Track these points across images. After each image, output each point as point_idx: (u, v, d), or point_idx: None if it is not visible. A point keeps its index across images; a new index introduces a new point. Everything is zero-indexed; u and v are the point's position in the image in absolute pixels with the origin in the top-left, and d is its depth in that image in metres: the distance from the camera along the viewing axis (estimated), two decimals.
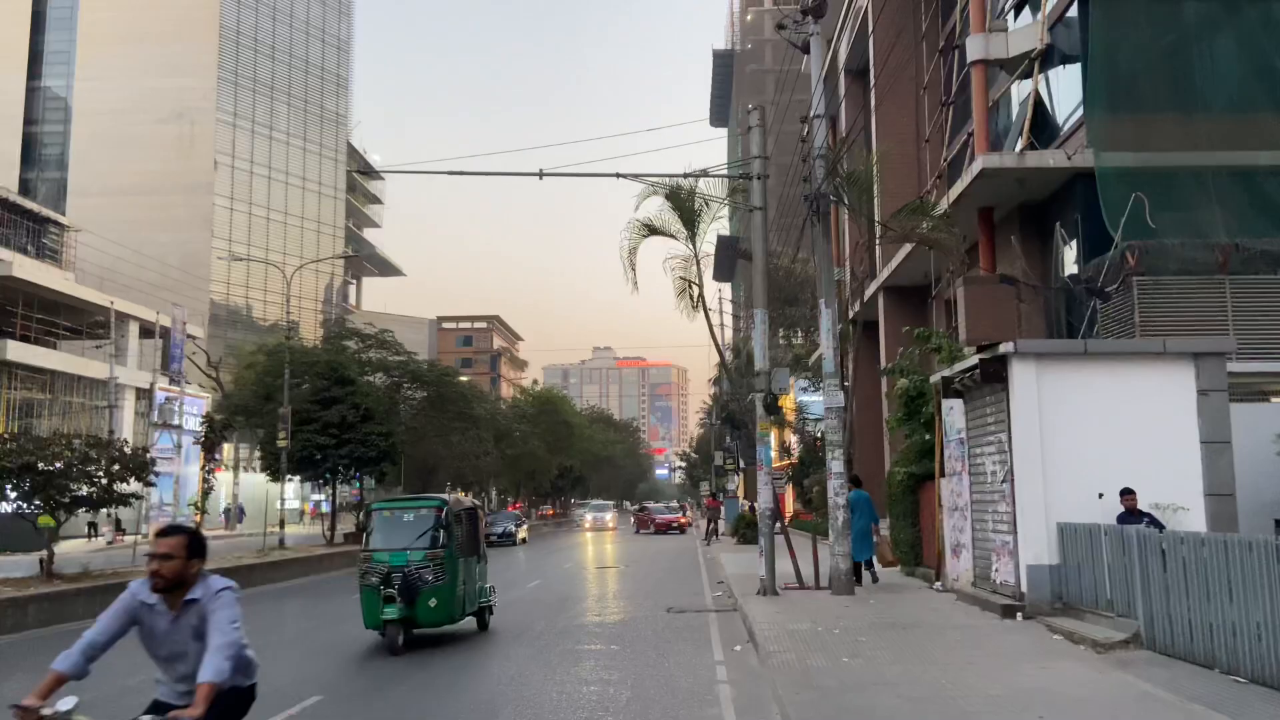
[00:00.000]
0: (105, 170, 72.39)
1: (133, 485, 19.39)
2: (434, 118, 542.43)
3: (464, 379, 49.22)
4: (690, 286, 16.89)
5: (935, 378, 14.71)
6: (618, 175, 15.33)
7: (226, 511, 41.71)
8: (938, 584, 14.89)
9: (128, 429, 52.72)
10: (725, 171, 17.25)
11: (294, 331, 33.47)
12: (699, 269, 16.58)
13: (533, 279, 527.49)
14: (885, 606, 13.19)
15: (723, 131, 72.28)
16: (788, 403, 31.67)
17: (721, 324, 55.68)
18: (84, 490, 18.32)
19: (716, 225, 17.67)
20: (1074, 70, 18.24)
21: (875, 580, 15.40)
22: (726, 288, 54.42)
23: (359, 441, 30.05)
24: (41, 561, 17.80)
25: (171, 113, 74.19)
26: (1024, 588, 11.63)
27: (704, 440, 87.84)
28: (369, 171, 19.90)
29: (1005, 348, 11.88)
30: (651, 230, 16.27)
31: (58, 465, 17.67)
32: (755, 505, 44.51)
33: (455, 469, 43.74)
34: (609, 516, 55.73)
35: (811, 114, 14.55)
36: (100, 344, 51.14)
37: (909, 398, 16.40)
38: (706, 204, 16.47)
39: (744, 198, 15.58)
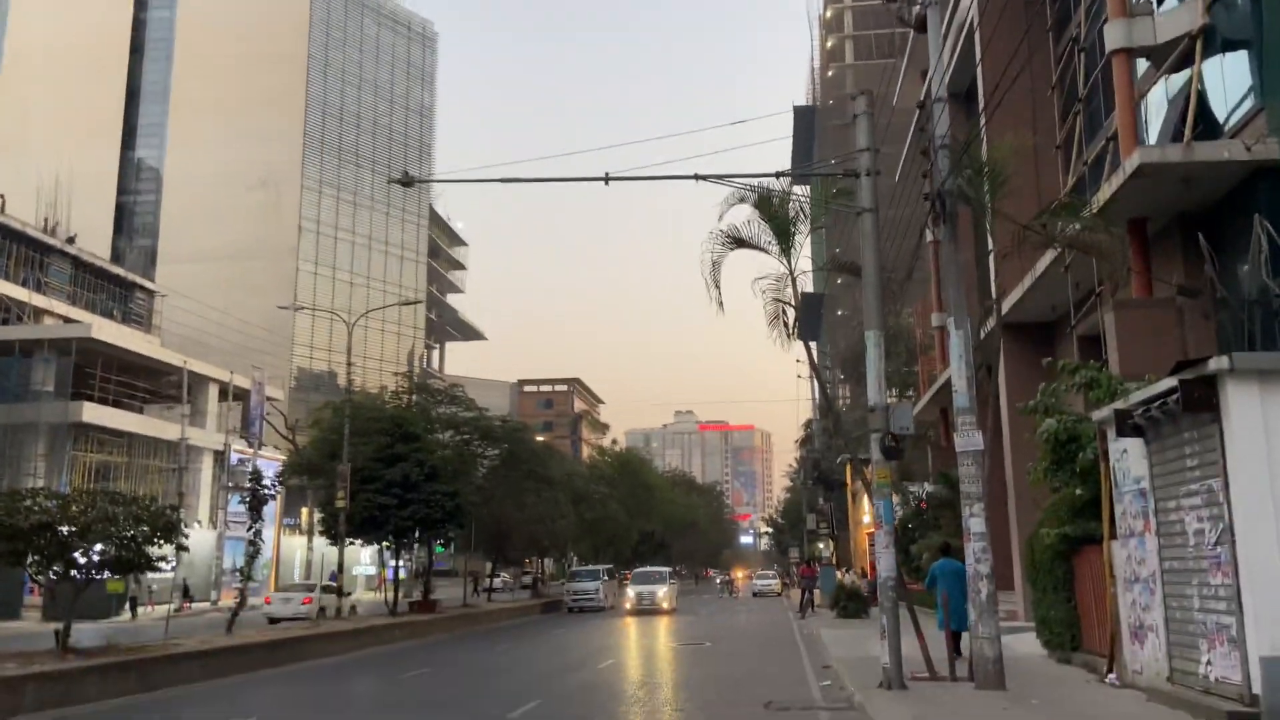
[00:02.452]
0: (194, 237, 73.81)
1: (164, 548, 17.43)
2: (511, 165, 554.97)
3: (540, 438, 47.17)
4: (784, 311, 14.25)
5: (1102, 413, 11.73)
6: (696, 177, 12.99)
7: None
8: (1111, 676, 11.71)
9: (204, 492, 52.07)
10: (818, 172, 14.72)
11: (353, 388, 31.77)
12: (795, 289, 13.98)
13: (613, 341, 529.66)
14: (1055, 708, 10.12)
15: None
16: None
17: (813, 389, 52.79)
18: (112, 552, 16.48)
19: (807, 243, 15.17)
20: (1237, 57, 15.38)
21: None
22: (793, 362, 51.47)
23: (423, 501, 27.96)
24: (57, 634, 15.83)
25: (258, 180, 75.52)
26: (1256, 687, 8.53)
27: (791, 504, 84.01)
28: (407, 181, 18.91)
29: (1217, 364, 8.95)
30: (737, 242, 13.80)
31: (73, 527, 15.81)
32: (849, 572, 41.28)
33: (529, 533, 41.33)
34: (661, 593, 37.35)
35: (933, 95, 12.01)
36: (172, 406, 50.73)
37: (1057, 442, 13.38)
38: (803, 210, 13.94)
39: (846, 200, 13.01)
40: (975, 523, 11.68)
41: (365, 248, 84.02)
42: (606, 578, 42.67)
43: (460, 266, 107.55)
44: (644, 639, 24.48)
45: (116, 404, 48.01)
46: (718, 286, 13.89)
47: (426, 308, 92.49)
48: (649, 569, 43.63)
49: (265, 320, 66.77)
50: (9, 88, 74.80)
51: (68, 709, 13.54)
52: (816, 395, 48.74)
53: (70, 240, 56.08)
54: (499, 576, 53.97)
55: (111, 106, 78.51)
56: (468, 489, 31.95)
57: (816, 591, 34.09)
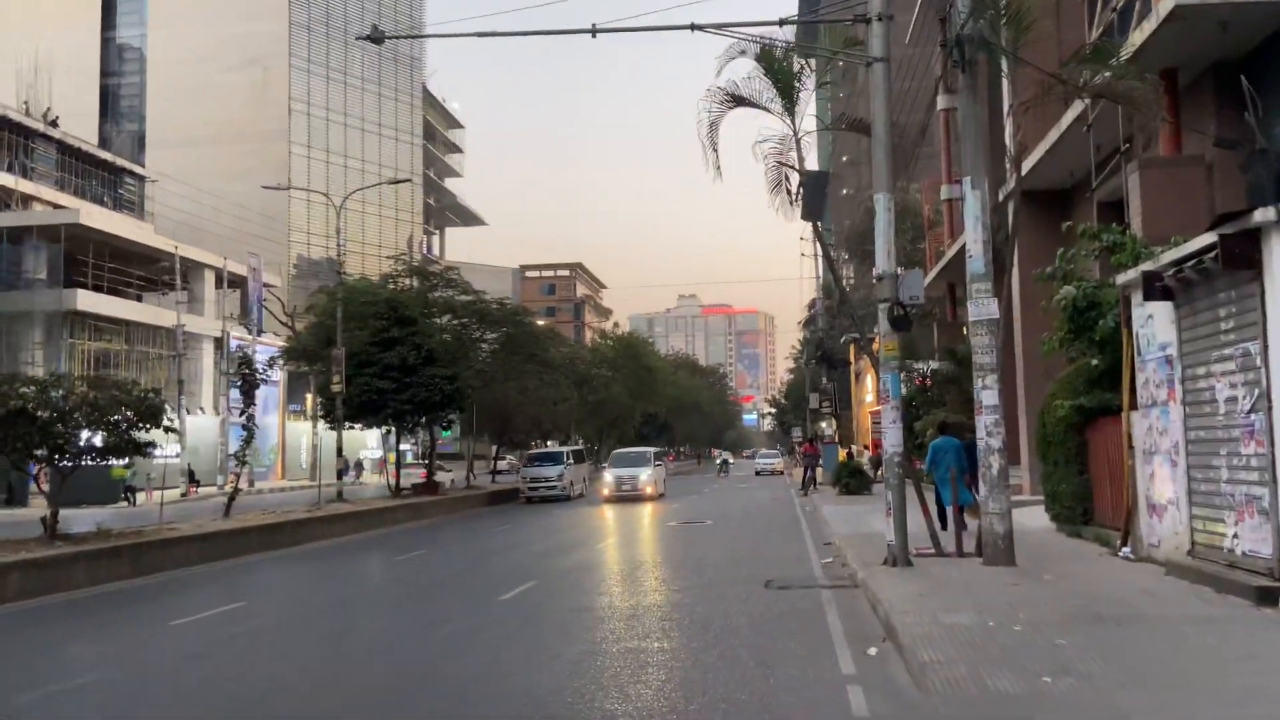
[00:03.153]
0: (182, 121, 71.51)
1: (152, 434, 16.99)
2: (508, 53, 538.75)
3: (539, 321, 46.57)
4: (786, 177, 13.31)
5: (1127, 276, 10.95)
6: (692, 27, 11.87)
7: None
8: (1125, 550, 11.28)
9: (207, 379, 51.91)
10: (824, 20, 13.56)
11: (345, 269, 30.96)
12: (799, 151, 12.99)
13: (615, 225, 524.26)
14: (1069, 584, 9.69)
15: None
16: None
17: (817, 268, 51.65)
18: (98, 439, 16.06)
19: (812, 103, 14.10)
20: None
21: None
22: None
23: (421, 385, 27.51)
24: (44, 520, 15.53)
25: (244, 59, 72.73)
26: None
27: (794, 385, 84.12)
28: (377, 38, 17.65)
29: (1263, 216, 8.11)
30: (736, 100, 12.71)
31: (52, 413, 15.31)
32: (853, 450, 41.12)
33: (532, 415, 41.13)
34: (644, 477, 32.35)
35: None
36: (166, 293, 50.10)
37: (1076, 310, 12.63)
38: (807, 65, 12.82)
39: (853, 52, 11.91)
40: (988, 395, 11.05)
41: (359, 130, 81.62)
42: (572, 461, 36.27)
43: (457, 150, 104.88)
44: (644, 519, 24.38)
45: (113, 291, 47.38)
46: (715, 150, 12.91)
47: (425, 192, 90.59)
48: (630, 450, 38.79)
49: (260, 205, 65.37)
50: None
51: (55, 595, 13.30)
52: (821, 274, 47.85)
53: (53, 123, 54.27)
54: (504, 459, 54.24)
55: None
56: (467, 373, 31.48)
57: (819, 469, 34.00)
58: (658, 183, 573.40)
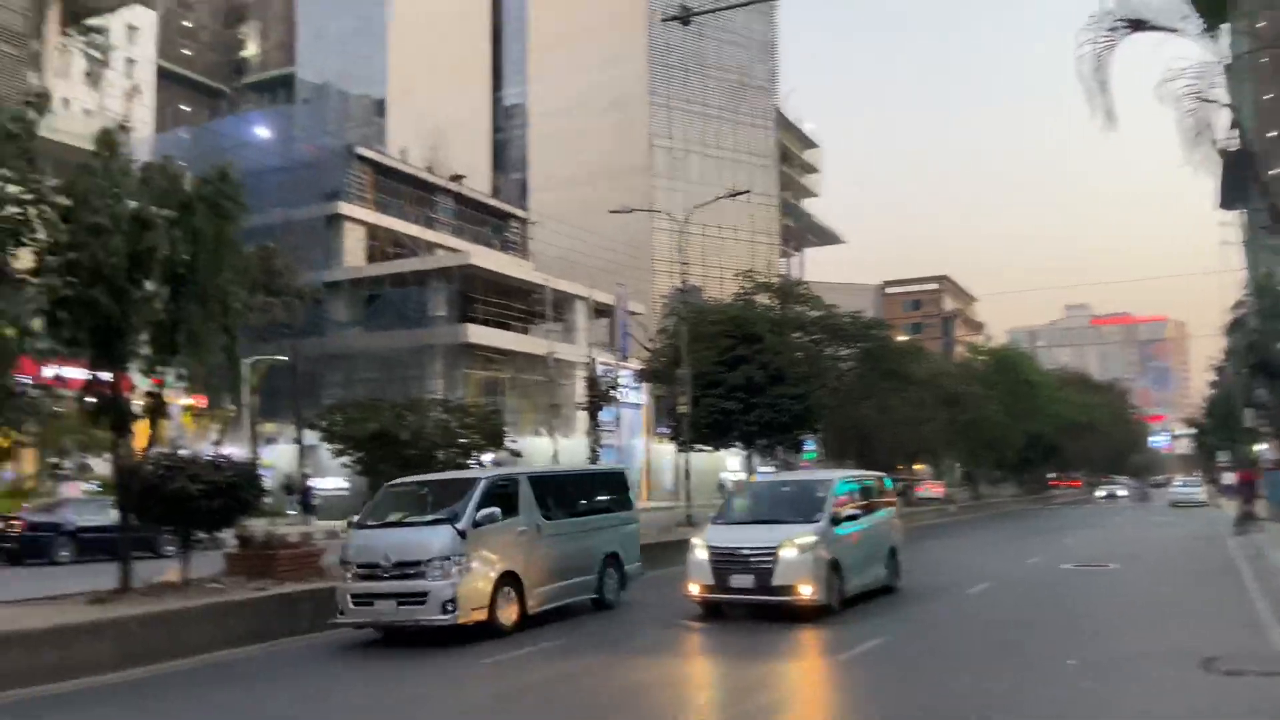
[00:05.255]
0: (557, 165, 77.70)
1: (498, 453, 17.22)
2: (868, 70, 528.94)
3: (900, 337, 43.45)
4: (1207, 125, 10.04)
5: None
6: None
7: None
8: None
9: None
10: None
11: (693, 291, 30.56)
12: (1228, 85, 9.70)
13: (985, 234, 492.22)
14: None
15: None
16: None
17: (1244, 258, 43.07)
18: (440, 457, 16.52)
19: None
20: None
21: None
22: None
23: (768, 405, 26.15)
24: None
25: (609, 102, 77.39)
26: None
27: (1220, 399, 71.71)
28: (683, 16, 16.99)
29: None
30: (1134, 24, 9.76)
31: (408, 434, 15.89)
32: None
33: (894, 436, 38.16)
34: (791, 557, 12.24)
35: None
36: (537, 322, 53.82)
37: None
38: None
39: None
40: None
41: (715, 159, 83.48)
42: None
43: (813, 170, 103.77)
44: (1033, 559, 20.74)
45: (499, 325, 51.92)
46: (1103, 90, 10.02)
47: (782, 213, 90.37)
48: (766, 485, 17.32)
49: (627, 237, 68.86)
50: (397, 48, 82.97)
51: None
52: (1250, 265, 39.94)
53: (457, 179, 61.23)
54: None
55: (480, 50, 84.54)
56: (819, 391, 29.62)
57: (1260, 501, 27.62)
58: (1032, 187, 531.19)
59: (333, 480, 34.13)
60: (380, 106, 78.04)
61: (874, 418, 34.89)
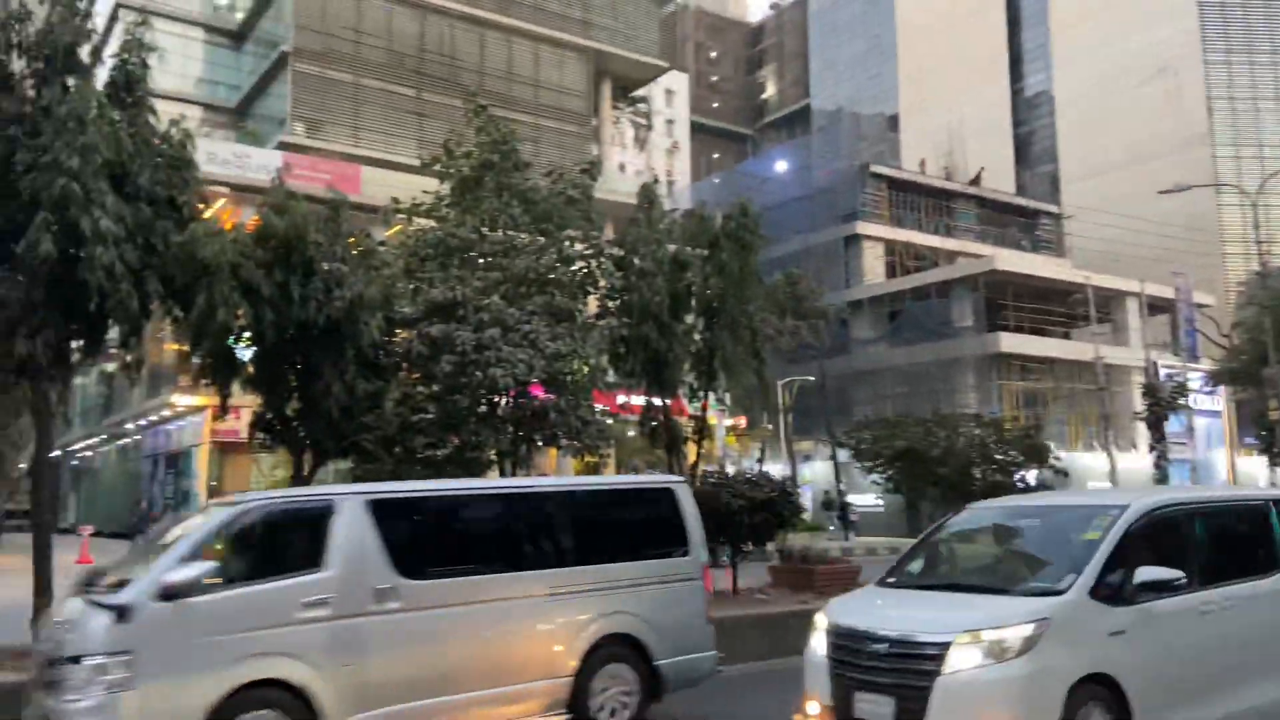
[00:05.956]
0: (1091, 152, 70.71)
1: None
2: None
3: None
4: None
5: None
6: None
7: None
8: None
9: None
10: None
11: (1277, 274, 25.23)
12: None
13: None
14: None
15: None
16: None
17: None
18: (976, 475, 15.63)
19: None
20: None
21: None
22: None
23: None
24: None
25: (1152, 70, 68.43)
26: None
27: None
28: None
29: None
30: None
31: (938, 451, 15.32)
32: None
33: None
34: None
35: None
36: (1080, 326, 48.88)
37: None
38: None
39: None
40: None
41: None
42: None
43: None
44: None
45: (1035, 331, 48.33)
46: None
47: None
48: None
49: (1186, 220, 60.01)
50: (907, 59, 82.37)
51: None
52: None
53: (975, 181, 58.85)
54: None
55: (995, 44, 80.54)
56: None
57: None
58: None
59: (868, 496, 34.44)
60: (893, 122, 78.05)
61: None
